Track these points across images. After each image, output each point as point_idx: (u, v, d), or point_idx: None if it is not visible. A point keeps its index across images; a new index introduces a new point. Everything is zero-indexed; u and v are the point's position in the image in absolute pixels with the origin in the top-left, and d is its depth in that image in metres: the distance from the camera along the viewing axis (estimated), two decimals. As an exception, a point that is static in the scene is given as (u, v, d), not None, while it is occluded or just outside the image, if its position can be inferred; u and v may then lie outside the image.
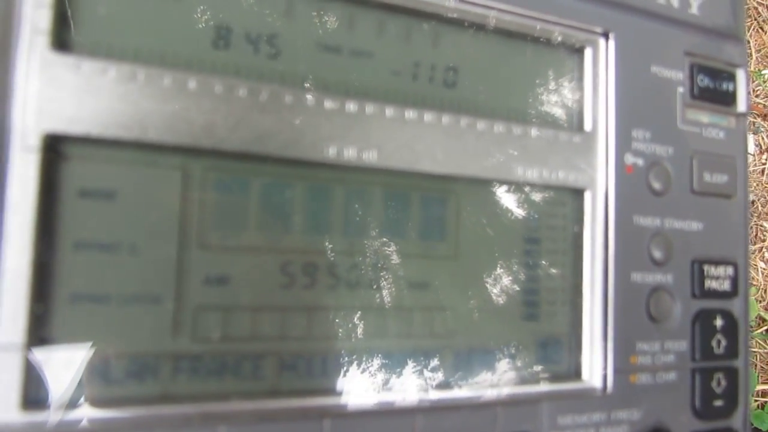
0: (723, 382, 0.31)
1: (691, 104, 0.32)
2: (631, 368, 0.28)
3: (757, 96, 1.23)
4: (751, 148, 1.20)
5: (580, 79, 0.29)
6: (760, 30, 1.26)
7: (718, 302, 0.31)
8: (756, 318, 1.09)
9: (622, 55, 0.30)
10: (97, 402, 0.20)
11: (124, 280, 0.21)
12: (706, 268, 0.31)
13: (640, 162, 0.30)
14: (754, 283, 1.13)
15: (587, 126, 0.29)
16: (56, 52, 0.20)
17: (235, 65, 0.23)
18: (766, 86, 1.23)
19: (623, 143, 0.29)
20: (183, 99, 0.22)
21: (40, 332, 0.20)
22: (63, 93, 0.20)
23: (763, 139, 1.21)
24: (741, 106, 0.33)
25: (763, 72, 1.24)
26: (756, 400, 1.03)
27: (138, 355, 0.21)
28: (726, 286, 0.31)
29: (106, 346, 0.20)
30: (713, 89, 0.32)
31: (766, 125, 1.22)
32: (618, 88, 0.29)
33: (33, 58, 0.20)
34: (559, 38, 0.29)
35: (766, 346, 1.09)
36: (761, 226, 1.16)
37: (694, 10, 0.32)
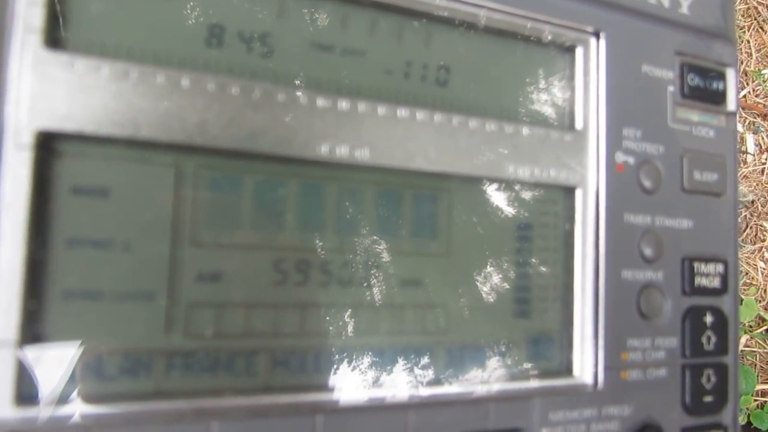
0: (713, 378, 0.31)
1: (682, 103, 0.32)
2: (622, 365, 0.29)
3: (757, 96, 1.23)
4: (751, 147, 1.20)
5: (571, 77, 0.29)
6: (760, 30, 1.26)
7: (708, 299, 0.32)
8: (756, 318, 1.09)
9: (612, 54, 0.30)
10: (89, 398, 0.20)
11: (117, 277, 0.21)
12: (696, 265, 0.31)
13: (630, 160, 0.30)
14: (754, 282, 1.13)
15: (578, 124, 0.29)
16: (49, 49, 0.20)
17: (227, 63, 0.23)
18: (765, 86, 1.24)
19: (614, 142, 0.30)
20: (176, 97, 0.22)
21: (33, 329, 0.20)
22: (56, 90, 0.20)
23: (763, 138, 1.22)
24: (731, 105, 0.33)
25: (762, 72, 1.24)
26: (756, 400, 1.03)
27: (131, 352, 0.21)
28: (716, 283, 0.32)
29: (99, 343, 0.21)
30: (703, 88, 0.33)
31: (766, 125, 1.22)
32: (609, 86, 0.30)
33: (26, 56, 0.20)
34: (550, 37, 0.29)
35: (765, 345, 1.09)
36: (761, 225, 1.17)
37: (684, 9, 0.33)
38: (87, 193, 0.21)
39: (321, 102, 0.24)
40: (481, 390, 0.26)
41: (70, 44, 0.21)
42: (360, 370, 0.24)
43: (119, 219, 0.21)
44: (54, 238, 0.20)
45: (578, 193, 0.29)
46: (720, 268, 0.32)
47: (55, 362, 0.20)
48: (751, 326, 1.09)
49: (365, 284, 0.25)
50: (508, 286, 0.27)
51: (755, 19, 1.26)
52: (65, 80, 0.20)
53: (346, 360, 0.24)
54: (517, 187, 0.28)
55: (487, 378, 0.26)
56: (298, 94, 0.23)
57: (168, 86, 0.22)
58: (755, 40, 1.25)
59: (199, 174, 0.22)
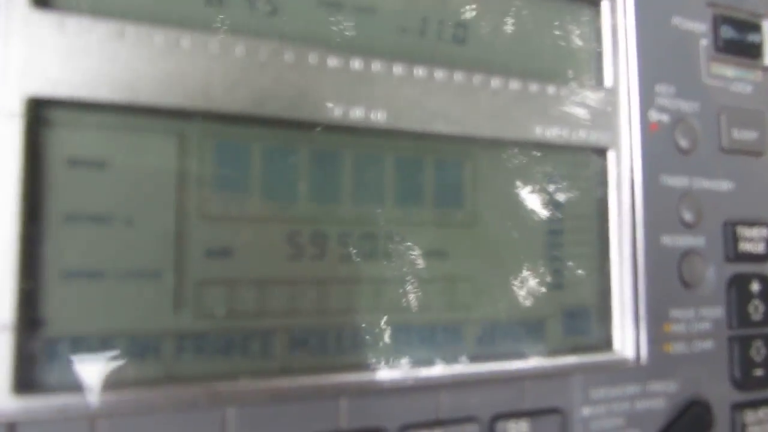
0: (763, 351, 0.29)
1: (716, 57, 0.30)
2: (665, 337, 0.27)
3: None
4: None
5: (598, 32, 0.27)
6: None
7: (754, 266, 0.29)
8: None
9: (641, 5, 0.28)
10: (95, 384, 0.18)
11: (119, 254, 0.19)
12: (739, 229, 0.29)
13: (665, 118, 0.28)
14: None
15: (608, 82, 0.27)
16: (37, 9, 0.19)
17: (230, 22, 0.21)
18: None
19: (647, 99, 0.27)
20: (176, 59, 0.20)
21: (30, 311, 0.18)
22: (46, 54, 0.19)
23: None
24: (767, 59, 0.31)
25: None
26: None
27: (138, 334, 0.19)
28: (761, 248, 0.30)
29: (104, 325, 0.19)
30: (738, 41, 0.30)
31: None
32: (638, 41, 0.28)
33: (13, 17, 0.18)
34: None
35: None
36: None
37: (714, -43, 0.30)
38: (84, 164, 0.19)
39: (332, 61, 0.22)
40: (515, 367, 0.24)
41: (60, 3, 0.19)
42: (385, 348, 0.22)
43: (119, 192, 0.20)
44: (50, 214, 0.19)
45: (611, 154, 0.27)
46: (764, 232, 0.30)
47: (56, 347, 0.18)
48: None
49: (387, 257, 0.23)
50: (539, 256, 0.25)
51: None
52: (56, 42, 0.19)
53: (369, 338, 0.22)
54: (545, 150, 0.26)
55: (521, 354, 0.24)
56: (307, 53, 0.22)
57: (167, 47, 0.20)
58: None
59: (204, 141, 0.21)
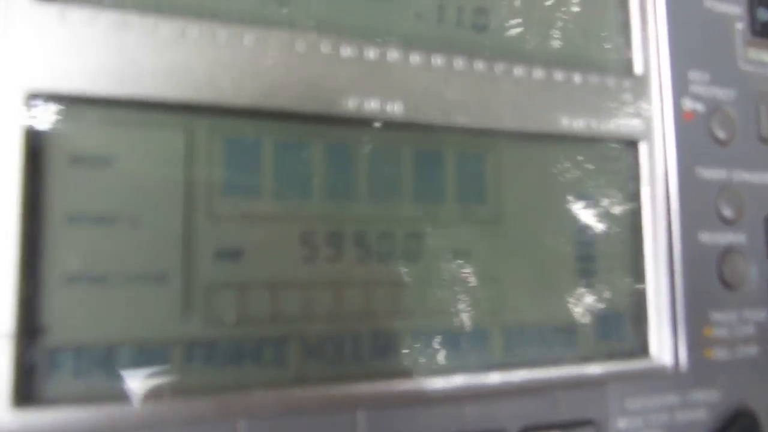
0: (812, 355, 0.27)
1: (753, 42, 0.28)
2: (706, 342, 0.25)
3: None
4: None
5: (627, 15, 0.26)
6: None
7: (799, 264, 0.27)
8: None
9: None
10: (98, 396, 0.17)
11: (124, 257, 0.18)
12: None
13: (699, 107, 0.26)
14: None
15: (638, 69, 0.26)
16: (38, 0, 0.18)
17: (239, 10, 0.20)
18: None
19: (679, 87, 0.26)
20: (182, 50, 0.19)
21: (31, 318, 0.17)
22: (48, 47, 0.18)
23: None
24: (808, 44, 0.29)
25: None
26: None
27: (144, 342, 0.18)
28: None
29: (108, 332, 0.18)
30: None
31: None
32: (669, 25, 0.26)
33: (12, 8, 0.17)
34: None
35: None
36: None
37: (749, -63, 0.29)
38: (87, 161, 0.18)
39: (345, 51, 0.21)
40: (545, 376, 0.22)
41: None
42: (405, 356, 0.21)
43: (124, 191, 0.19)
44: (51, 214, 0.18)
45: (642, 147, 0.25)
46: None
47: (58, 356, 0.17)
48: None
49: (406, 257, 0.21)
50: (569, 256, 0.24)
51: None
52: (57, 35, 0.18)
53: (388, 345, 0.21)
54: (572, 142, 0.24)
55: (551, 362, 0.23)
56: (320, 42, 0.21)
57: (173, 38, 0.19)
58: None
59: (212, 136, 0.20)
